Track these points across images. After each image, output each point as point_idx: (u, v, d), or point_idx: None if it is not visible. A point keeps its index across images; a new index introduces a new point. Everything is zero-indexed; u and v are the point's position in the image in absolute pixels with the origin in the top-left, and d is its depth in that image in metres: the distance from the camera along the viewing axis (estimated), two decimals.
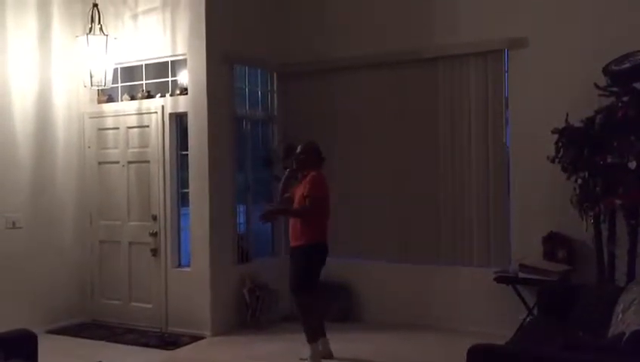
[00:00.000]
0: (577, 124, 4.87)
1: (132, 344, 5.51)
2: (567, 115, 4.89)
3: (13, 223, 5.67)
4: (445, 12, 5.86)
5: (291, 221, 4.92)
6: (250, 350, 5.24)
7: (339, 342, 5.15)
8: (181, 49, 5.86)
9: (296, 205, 4.89)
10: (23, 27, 5.81)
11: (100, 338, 5.68)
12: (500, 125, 5.68)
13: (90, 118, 6.34)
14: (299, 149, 5.00)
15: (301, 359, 4.83)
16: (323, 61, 6.36)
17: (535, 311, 4.96)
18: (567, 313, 4.07)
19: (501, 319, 5.30)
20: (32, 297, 5.76)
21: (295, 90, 6.62)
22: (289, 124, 6.62)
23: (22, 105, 5.80)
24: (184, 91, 5.89)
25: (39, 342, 3.46)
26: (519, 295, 5.26)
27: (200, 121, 5.74)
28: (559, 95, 5.26)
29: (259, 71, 6.61)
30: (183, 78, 5.97)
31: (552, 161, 4.93)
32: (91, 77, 5.69)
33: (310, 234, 4.79)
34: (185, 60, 5.87)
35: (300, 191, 4.88)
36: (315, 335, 4.84)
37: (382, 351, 5.18)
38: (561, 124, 4.91)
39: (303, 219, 4.78)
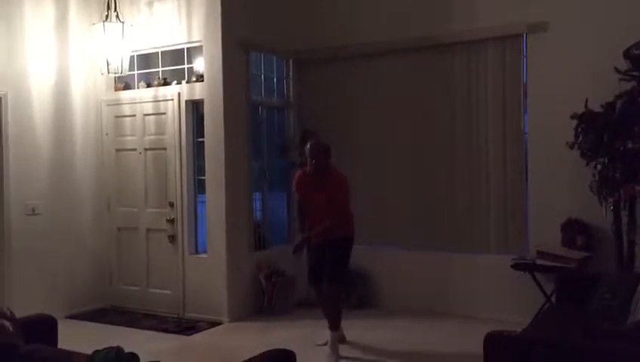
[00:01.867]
0: (597, 109, 4.81)
1: (150, 329, 5.58)
2: (587, 100, 4.83)
3: (33, 210, 5.74)
4: None
5: (320, 210, 4.76)
6: (266, 336, 5.27)
7: (356, 328, 5.17)
8: (197, 36, 5.85)
9: (320, 206, 4.75)
10: (41, 15, 5.84)
11: (119, 324, 5.76)
12: (518, 111, 5.61)
13: (108, 105, 6.37)
14: (311, 152, 4.76)
15: (317, 344, 4.86)
16: (339, 47, 6.32)
17: (553, 299, 4.93)
18: (585, 300, 4.03)
19: (518, 306, 5.28)
20: (52, 282, 5.85)
21: (311, 77, 6.59)
22: (305, 110, 6.61)
23: (40, 93, 5.84)
24: (200, 78, 5.89)
25: (59, 326, 3.51)
26: (537, 282, 5.23)
27: (216, 108, 5.75)
28: (579, 80, 5.19)
29: (274, 58, 6.59)
30: (199, 65, 5.98)
31: (571, 147, 4.87)
32: (108, 64, 5.72)
33: (349, 226, 4.86)
34: (201, 47, 5.87)
35: (321, 190, 4.76)
36: (339, 322, 4.88)
37: (399, 338, 5.18)
38: (581, 110, 4.84)
39: (341, 211, 4.77)
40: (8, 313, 2.93)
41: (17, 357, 2.63)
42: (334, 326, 4.81)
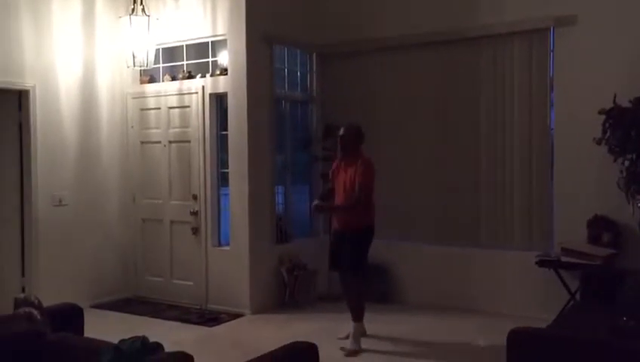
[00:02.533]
0: (625, 105, 4.72)
1: (174, 320, 5.64)
2: (615, 95, 4.75)
3: (60, 201, 5.84)
4: None
5: (343, 196, 4.83)
6: (288, 328, 5.29)
7: (378, 323, 5.17)
8: (221, 29, 5.88)
9: (343, 190, 4.81)
10: (68, 9, 5.92)
11: (143, 314, 5.83)
12: (545, 106, 5.54)
13: (133, 98, 6.44)
14: (341, 132, 4.89)
15: (339, 338, 4.87)
16: (362, 41, 6.30)
17: (578, 296, 4.87)
18: (611, 298, 3.98)
19: (542, 303, 5.23)
20: (78, 272, 5.94)
21: (334, 71, 6.58)
22: (328, 104, 6.60)
23: (67, 85, 5.92)
24: (224, 72, 5.92)
25: (84, 315, 3.57)
26: (561, 279, 5.17)
27: (240, 101, 5.77)
28: (607, 75, 5.10)
29: (298, 51, 6.59)
30: (223, 58, 6.00)
31: (599, 143, 4.80)
32: (134, 57, 5.77)
33: (369, 217, 4.84)
34: (225, 41, 5.89)
35: (346, 175, 4.80)
36: (362, 314, 4.89)
37: (421, 333, 5.17)
38: (609, 105, 4.76)
39: (360, 196, 4.72)
40: (36, 302, 2.99)
41: (45, 345, 2.68)
42: (356, 317, 4.83)
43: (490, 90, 5.78)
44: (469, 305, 5.76)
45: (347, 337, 4.82)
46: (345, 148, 4.85)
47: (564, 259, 5.04)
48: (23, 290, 5.46)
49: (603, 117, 4.78)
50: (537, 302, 5.35)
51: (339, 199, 4.88)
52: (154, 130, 6.33)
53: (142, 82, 6.43)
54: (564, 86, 5.39)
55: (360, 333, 4.84)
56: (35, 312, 2.90)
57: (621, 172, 4.77)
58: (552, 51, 5.47)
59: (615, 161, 4.80)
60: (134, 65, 5.85)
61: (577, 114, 5.24)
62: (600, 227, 5.11)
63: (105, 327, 4.81)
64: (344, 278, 4.90)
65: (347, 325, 4.87)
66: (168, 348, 2.58)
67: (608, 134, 4.76)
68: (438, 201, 6.05)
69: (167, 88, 6.26)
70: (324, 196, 5.17)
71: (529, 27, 5.49)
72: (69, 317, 3.40)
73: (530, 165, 5.61)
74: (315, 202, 5.14)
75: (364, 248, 4.85)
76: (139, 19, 5.71)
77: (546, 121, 5.54)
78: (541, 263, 5.22)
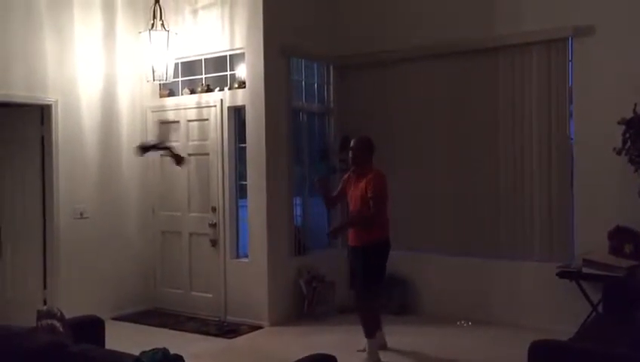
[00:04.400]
0: None
1: (193, 332, 5.66)
2: (635, 105, 4.71)
3: (81, 213, 5.91)
4: (506, 0, 5.71)
5: (355, 210, 4.80)
6: (307, 340, 5.28)
7: (396, 335, 5.14)
8: (239, 43, 5.94)
9: (355, 204, 4.77)
10: (89, 24, 6.02)
11: (163, 326, 5.86)
12: (564, 116, 5.50)
13: (153, 111, 6.51)
14: (352, 144, 4.86)
15: (358, 350, 4.84)
16: (380, 53, 6.32)
17: (599, 308, 4.80)
18: (633, 310, 3.92)
19: (563, 315, 5.17)
20: (99, 284, 5.99)
21: (351, 83, 6.60)
22: (345, 116, 6.62)
23: (88, 99, 6.01)
24: (242, 85, 5.97)
25: (106, 327, 3.60)
26: (583, 291, 5.10)
27: (258, 114, 5.81)
28: (626, 84, 5.06)
29: (315, 63, 6.63)
30: (241, 71, 6.06)
31: (619, 153, 4.76)
32: (153, 72, 5.84)
33: (385, 230, 4.78)
34: (243, 54, 5.95)
35: (357, 188, 4.76)
36: (375, 330, 4.84)
37: (440, 345, 5.13)
38: (629, 115, 4.72)
39: (375, 211, 4.67)
40: (58, 314, 3.02)
41: (67, 357, 2.70)
42: (369, 333, 4.78)
43: (509, 101, 5.75)
44: (488, 316, 5.71)
45: (365, 349, 4.79)
46: (356, 160, 4.80)
47: (585, 270, 4.98)
48: (45, 303, 5.53)
49: (623, 127, 4.74)
50: (558, 314, 5.28)
51: (352, 213, 4.85)
52: (173, 143, 6.37)
53: (161, 96, 6.51)
54: (584, 96, 5.36)
55: (376, 347, 4.79)
56: (58, 324, 2.93)
57: None
58: (571, 61, 5.44)
59: (636, 171, 4.75)
60: (154, 80, 5.93)
61: (597, 124, 5.19)
62: (621, 238, 5.04)
63: (126, 339, 4.84)
64: (355, 297, 4.84)
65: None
66: (188, 360, 2.59)
67: (629, 144, 4.72)
68: (457, 212, 6.02)
69: (186, 102, 6.32)
70: (327, 201, 5.13)
71: (546, 37, 5.47)
72: (91, 329, 3.43)
73: (550, 176, 5.57)
74: (329, 229, 5.03)
75: (380, 263, 4.77)
76: (158, 34, 5.79)
77: (565, 131, 5.50)
78: (562, 274, 5.16)
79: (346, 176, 5.04)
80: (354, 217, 4.83)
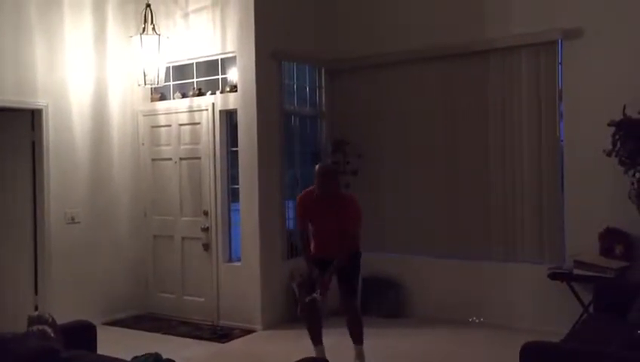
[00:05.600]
0: (635, 116, 4.72)
1: (186, 336, 5.65)
2: (625, 106, 4.74)
3: (72, 218, 5.88)
4: (496, 3, 5.75)
5: (331, 233, 4.61)
6: (300, 344, 5.24)
7: (388, 338, 5.15)
8: (231, 47, 5.94)
9: (329, 227, 4.60)
10: (80, 28, 6.01)
11: (155, 331, 5.84)
12: (554, 118, 5.53)
13: (144, 115, 6.50)
14: (322, 173, 4.61)
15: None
16: (371, 56, 6.34)
17: (591, 309, 4.83)
18: (624, 311, 3.94)
19: (555, 316, 5.20)
20: (90, 289, 5.97)
21: (343, 86, 6.62)
22: (337, 119, 6.63)
23: (79, 104, 5.99)
24: (234, 88, 5.97)
25: (97, 332, 3.58)
26: (574, 292, 5.13)
27: (249, 117, 5.82)
28: (616, 86, 5.10)
29: (307, 67, 6.64)
30: (233, 75, 6.06)
31: (609, 155, 4.79)
32: (144, 76, 5.83)
33: (359, 242, 4.72)
34: (234, 58, 5.95)
35: (330, 212, 4.59)
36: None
37: (432, 348, 5.14)
38: (618, 117, 4.76)
39: (355, 234, 4.64)
40: (50, 319, 3.00)
41: None
42: (361, 339, 4.75)
43: (499, 104, 5.78)
44: (480, 318, 5.73)
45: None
46: (329, 186, 4.59)
47: (576, 271, 5.02)
48: (36, 308, 5.50)
49: (613, 128, 4.77)
50: (549, 315, 5.31)
51: (327, 237, 4.63)
52: (165, 147, 6.38)
53: (153, 100, 6.50)
54: (573, 98, 5.39)
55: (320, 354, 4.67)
56: (49, 330, 2.91)
57: (632, 184, 4.75)
58: (561, 64, 5.48)
59: (626, 172, 4.78)
60: (145, 84, 5.91)
61: (587, 126, 5.23)
62: (612, 239, 5.08)
63: (117, 344, 4.83)
64: (346, 307, 4.72)
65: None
66: None
67: (618, 146, 4.75)
68: (448, 214, 6.04)
69: (177, 105, 6.32)
70: (308, 255, 4.73)
71: (536, 40, 5.51)
72: (82, 334, 3.41)
73: (541, 178, 5.60)
74: (315, 295, 4.53)
75: (358, 272, 4.69)
76: (149, 38, 5.78)
77: (555, 133, 5.53)
78: (553, 276, 5.19)
79: (302, 200, 4.78)
80: (345, 257, 4.60)
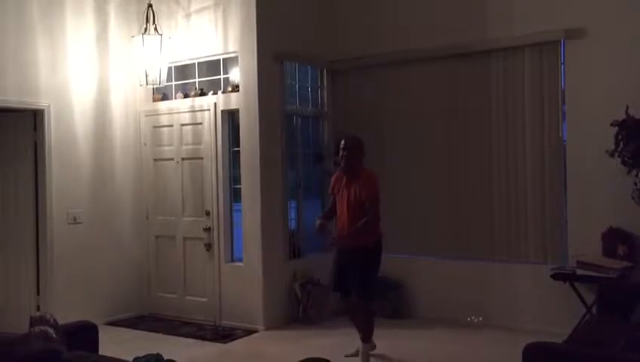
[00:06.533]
0: (638, 116, 4.70)
1: (188, 336, 5.64)
2: (628, 106, 4.73)
3: (74, 218, 5.88)
4: (498, 3, 5.74)
5: (349, 219, 4.68)
6: (302, 344, 5.27)
7: (391, 338, 5.14)
8: (233, 47, 5.93)
9: (348, 206, 4.69)
10: (82, 29, 6.00)
11: (157, 331, 5.84)
12: (556, 118, 5.52)
13: (146, 115, 6.50)
14: (343, 144, 4.78)
15: (347, 355, 4.81)
16: (373, 56, 6.33)
17: (594, 309, 4.82)
18: (627, 311, 3.93)
19: (557, 317, 5.18)
20: (92, 289, 5.97)
21: (345, 86, 6.61)
22: (339, 119, 6.63)
23: (81, 104, 5.99)
24: (236, 88, 5.97)
25: (99, 333, 3.58)
26: (577, 292, 5.12)
27: (251, 117, 5.81)
28: (618, 86, 5.09)
29: (309, 67, 6.63)
30: (235, 75, 6.05)
31: (612, 155, 4.78)
32: (146, 76, 5.83)
33: (378, 229, 4.72)
34: (236, 58, 5.95)
35: (348, 190, 4.71)
36: (372, 333, 4.82)
37: (434, 348, 5.13)
38: (621, 117, 4.74)
39: (367, 213, 4.63)
40: (52, 320, 3.00)
41: None
42: (366, 337, 4.76)
43: (502, 103, 5.77)
44: (483, 319, 5.72)
45: (356, 353, 4.77)
46: (348, 160, 4.74)
47: (579, 272, 5.00)
48: (38, 309, 5.50)
49: (616, 128, 4.76)
50: (552, 315, 5.29)
51: (343, 216, 4.73)
52: (167, 147, 6.38)
53: (154, 100, 6.50)
54: (576, 98, 5.38)
55: (370, 350, 4.77)
56: (51, 330, 2.91)
57: (635, 184, 4.74)
58: (563, 64, 5.46)
59: (629, 173, 4.76)
60: (147, 84, 5.91)
61: (590, 126, 5.22)
62: (615, 240, 5.06)
63: (119, 345, 4.84)
64: (353, 300, 4.74)
65: (355, 341, 4.82)
66: None
67: (621, 146, 4.74)
68: (451, 215, 6.03)
69: (179, 106, 6.31)
70: (327, 214, 4.99)
71: (539, 40, 5.50)
72: (84, 334, 3.41)
73: (543, 178, 5.59)
74: (319, 221, 4.82)
75: (378, 262, 4.75)
76: (151, 38, 5.78)
77: (558, 133, 5.52)
78: (556, 276, 5.18)
79: (333, 179, 4.96)
80: (357, 227, 4.65)
